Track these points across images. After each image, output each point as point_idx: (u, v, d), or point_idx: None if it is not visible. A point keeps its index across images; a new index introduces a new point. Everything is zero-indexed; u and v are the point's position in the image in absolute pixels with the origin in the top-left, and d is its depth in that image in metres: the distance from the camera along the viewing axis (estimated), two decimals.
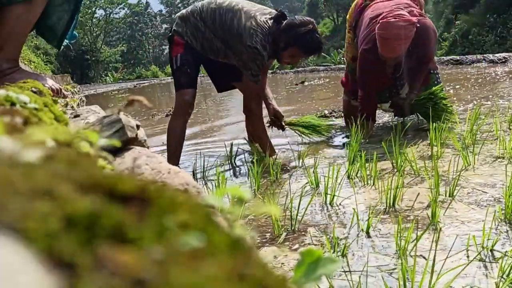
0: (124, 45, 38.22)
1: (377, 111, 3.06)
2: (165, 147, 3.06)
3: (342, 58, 16.02)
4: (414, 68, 2.74)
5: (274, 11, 2.46)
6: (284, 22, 2.37)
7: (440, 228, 1.29)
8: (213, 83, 2.86)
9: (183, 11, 2.59)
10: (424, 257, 1.11)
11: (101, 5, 32.80)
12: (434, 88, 2.79)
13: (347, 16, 3.19)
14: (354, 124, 2.42)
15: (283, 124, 2.73)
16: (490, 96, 3.61)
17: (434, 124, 2.19)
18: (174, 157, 2.52)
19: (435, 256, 0.98)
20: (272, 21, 2.38)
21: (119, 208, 0.21)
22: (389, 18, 2.51)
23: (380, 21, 2.54)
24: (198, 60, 2.55)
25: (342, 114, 3.46)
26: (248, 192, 0.37)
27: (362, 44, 2.75)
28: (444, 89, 2.95)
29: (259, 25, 2.35)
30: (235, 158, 2.52)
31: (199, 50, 2.50)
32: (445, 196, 1.53)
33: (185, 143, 2.93)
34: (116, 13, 36.47)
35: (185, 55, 2.48)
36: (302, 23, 2.35)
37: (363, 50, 2.74)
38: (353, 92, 3.10)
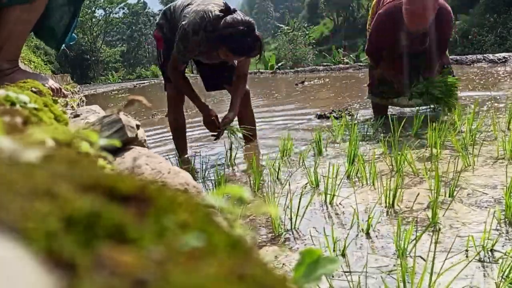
0: (124, 45, 38.23)
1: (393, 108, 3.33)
2: (165, 147, 3.06)
3: (342, 58, 16.04)
4: (432, 48, 2.93)
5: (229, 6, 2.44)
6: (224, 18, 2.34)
7: (440, 229, 1.29)
8: (202, 81, 2.89)
9: (166, 7, 2.66)
10: (423, 258, 1.11)
11: (101, 5, 32.80)
12: (450, 78, 2.99)
13: (370, 11, 3.40)
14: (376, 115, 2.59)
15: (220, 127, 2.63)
16: (494, 98, 3.61)
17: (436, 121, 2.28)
18: (179, 147, 2.63)
19: (434, 256, 0.98)
20: (221, 14, 2.36)
21: (119, 208, 0.21)
22: None
23: None
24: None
25: (342, 114, 3.55)
26: (248, 192, 0.37)
27: (381, 10, 2.95)
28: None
29: (203, 11, 2.35)
30: (235, 158, 2.52)
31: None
32: (445, 197, 1.53)
33: None
34: (115, 13, 36.48)
35: (167, 50, 2.52)
36: (232, 23, 2.29)
37: (380, 14, 2.94)
38: (371, 87, 3.38)
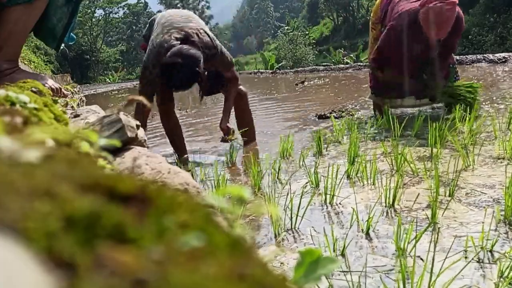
0: (123, 45, 38.21)
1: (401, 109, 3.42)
2: (166, 147, 3.06)
3: (342, 58, 16.06)
4: (441, 54, 2.98)
5: (193, 30, 2.39)
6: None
7: (439, 229, 1.29)
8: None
9: (151, 19, 2.69)
10: (421, 259, 1.11)
11: (101, 5, 32.79)
12: (474, 84, 3.07)
13: (371, 16, 3.46)
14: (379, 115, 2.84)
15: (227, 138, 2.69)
16: (494, 98, 3.62)
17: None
18: (178, 148, 2.68)
19: (434, 256, 0.98)
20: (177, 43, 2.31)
21: (119, 208, 0.21)
22: (435, 2, 2.70)
23: (429, 6, 2.71)
24: None
25: (343, 114, 3.60)
26: (248, 192, 0.37)
27: (392, 21, 2.94)
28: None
29: (160, 44, 2.32)
30: (235, 158, 2.52)
31: None
32: (444, 196, 1.53)
33: (185, 142, 2.93)
34: (115, 13, 36.48)
35: None
36: (172, 54, 2.22)
37: (391, 26, 2.94)
38: (373, 88, 3.43)
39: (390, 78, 3.15)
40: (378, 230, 1.32)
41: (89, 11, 31.15)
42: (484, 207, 1.41)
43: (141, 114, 2.49)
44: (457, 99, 3.01)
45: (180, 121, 2.82)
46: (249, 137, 2.90)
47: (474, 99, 2.99)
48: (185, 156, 2.68)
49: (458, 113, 2.61)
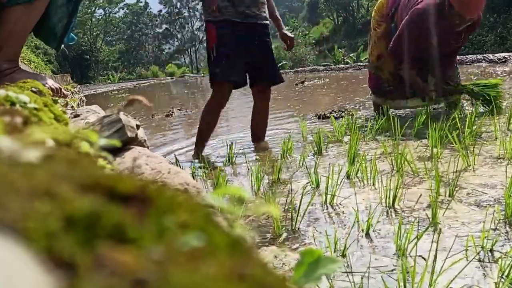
0: (124, 44, 38.23)
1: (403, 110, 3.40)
2: (165, 147, 3.06)
3: (343, 58, 16.06)
4: (456, 49, 3.00)
5: None
6: None
7: (440, 229, 1.29)
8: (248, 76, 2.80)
9: None
10: (423, 258, 1.11)
11: (100, 4, 32.80)
12: (497, 80, 3.07)
13: (373, 14, 3.37)
14: (378, 116, 2.62)
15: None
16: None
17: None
18: (199, 143, 2.65)
19: (436, 256, 0.98)
20: None
21: (119, 208, 0.21)
22: None
23: None
24: (235, 50, 2.54)
25: (343, 114, 3.59)
26: (248, 192, 0.37)
27: (416, 5, 2.89)
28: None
29: None
30: (235, 158, 2.52)
31: (233, 14, 2.49)
32: (445, 196, 1.53)
33: (185, 143, 2.93)
34: (115, 13, 36.51)
35: (220, 45, 2.49)
36: None
37: (415, 10, 2.87)
38: (374, 89, 3.40)
39: (407, 74, 3.12)
40: (379, 230, 1.32)
41: (89, 11, 31.15)
42: (485, 207, 1.41)
43: None
44: (478, 97, 2.99)
45: (180, 120, 2.81)
46: (260, 136, 2.90)
47: (497, 95, 2.97)
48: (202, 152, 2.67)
49: (458, 111, 2.63)
